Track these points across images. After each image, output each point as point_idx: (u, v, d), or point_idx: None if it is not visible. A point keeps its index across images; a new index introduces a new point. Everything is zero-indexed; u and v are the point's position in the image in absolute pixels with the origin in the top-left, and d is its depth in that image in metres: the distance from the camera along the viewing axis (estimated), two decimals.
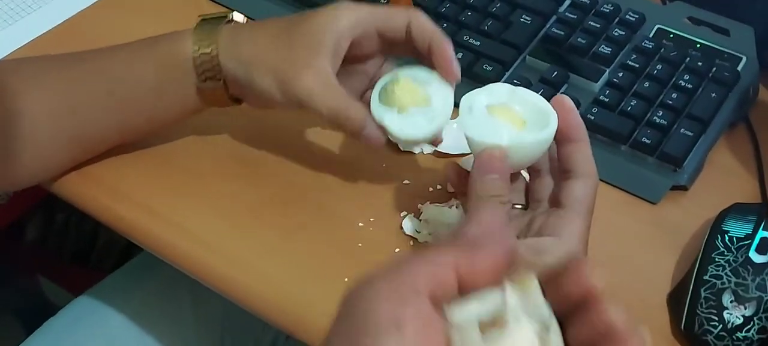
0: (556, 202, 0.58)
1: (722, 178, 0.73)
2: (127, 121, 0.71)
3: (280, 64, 0.64)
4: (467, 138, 0.58)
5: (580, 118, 0.58)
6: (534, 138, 0.57)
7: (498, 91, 0.60)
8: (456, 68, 0.63)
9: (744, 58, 0.78)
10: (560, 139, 0.58)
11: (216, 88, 0.67)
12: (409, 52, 0.66)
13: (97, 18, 0.86)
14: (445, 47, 0.63)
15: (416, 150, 0.73)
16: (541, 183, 0.60)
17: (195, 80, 0.67)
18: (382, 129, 0.64)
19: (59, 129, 0.69)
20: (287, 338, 1.02)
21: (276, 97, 0.64)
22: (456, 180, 0.61)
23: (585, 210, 0.56)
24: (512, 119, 0.58)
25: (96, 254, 1.38)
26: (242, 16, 0.70)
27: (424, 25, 0.64)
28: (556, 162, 0.59)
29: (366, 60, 0.68)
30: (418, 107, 0.64)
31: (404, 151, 0.73)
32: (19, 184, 0.73)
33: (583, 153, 0.57)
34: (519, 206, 0.60)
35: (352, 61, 0.67)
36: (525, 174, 0.62)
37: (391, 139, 0.65)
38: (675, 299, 0.64)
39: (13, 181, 0.73)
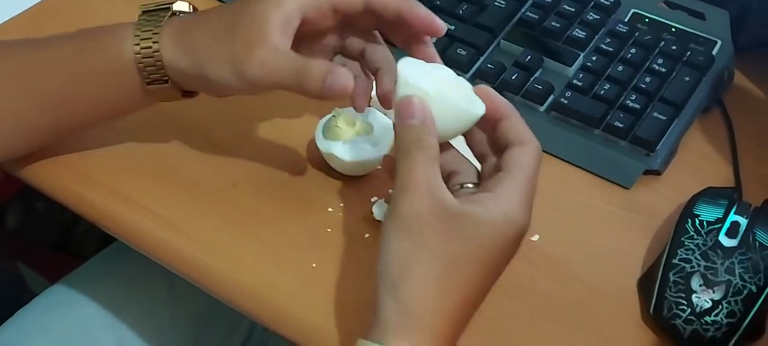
0: (496, 167, 0.57)
1: (696, 162, 0.73)
2: (77, 116, 0.68)
3: (231, 51, 0.61)
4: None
5: (503, 98, 0.57)
6: (458, 101, 0.56)
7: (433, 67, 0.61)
8: (439, 22, 0.61)
9: (719, 42, 0.77)
10: (491, 120, 0.57)
11: (163, 89, 0.64)
12: (371, 25, 0.65)
13: (69, 1, 0.85)
14: (418, 7, 0.61)
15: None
16: (489, 166, 0.59)
17: (139, 81, 0.64)
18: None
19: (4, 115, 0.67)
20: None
21: (233, 85, 0.61)
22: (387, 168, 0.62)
23: (520, 171, 0.55)
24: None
25: (76, 241, 1.38)
26: (186, 3, 0.67)
27: (416, 10, 0.62)
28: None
29: (324, 36, 0.66)
30: (362, 136, 0.69)
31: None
32: None
33: (515, 125, 0.57)
34: (470, 185, 0.59)
35: (309, 39, 0.65)
36: (477, 163, 0.61)
37: (338, 167, 0.69)
38: (645, 284, 0.64)
39: None
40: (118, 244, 0.91)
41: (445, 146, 0.58)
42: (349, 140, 0.68)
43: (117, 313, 0.84)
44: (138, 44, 0.63)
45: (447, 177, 0.58)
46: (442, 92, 0.55)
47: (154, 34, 0.63)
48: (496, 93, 0.58)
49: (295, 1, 0.62)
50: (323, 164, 0.70)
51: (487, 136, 0.58)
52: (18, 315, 0.85)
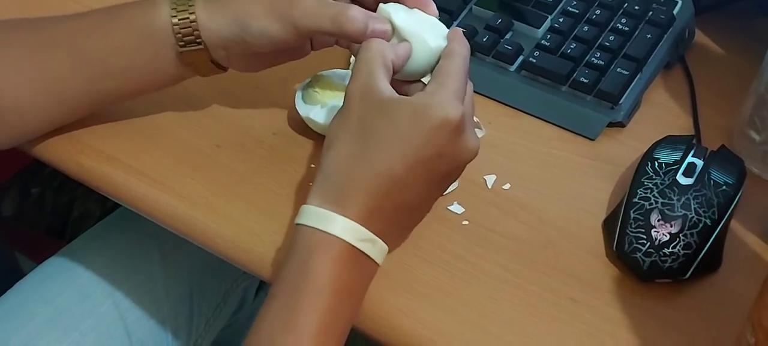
0: None
1: (658, 114, 0.77)
2: (98, 91, 0.71)
3: (271, 4, 0.65)
4: None
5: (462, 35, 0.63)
6: (424, 38, 0.63)
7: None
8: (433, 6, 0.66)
9: (679, 2, 0.81)
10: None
11: (197, 51, 0.67)
12: None
13: None
14: None
15: None
16: None
17: (174, 47, 0.67)
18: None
19: (28, 95, 0.70)
20: (256, 293, 1.05)
21: (277, 33, 0.65)
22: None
23: (442, 73, 0.60)
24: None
25: (71, 228, 1.40)
26: None
27: None
28: None
29: None
30: (338, 100, 0.70)
31: None
32: None
33: (452, 44, 0.63)
34: None
35: None
36: None
37: (316, 129, 0.72)
38: (609, 223, 0.68)
39: None
40: (111, 219, 0.95)
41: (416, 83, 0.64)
42: (327, 104, 0.72)
43: (113, 281, 0.87)
44: (174, 7, 0.67)
45: None
46: (411, 30, 0.63)
47: (189, 3, 0.67)
48: (460, 33, 0.63)
49: None
50: (305, 126, 0.74)
51: None
52: (17, 286, 0.87)
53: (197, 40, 0.67)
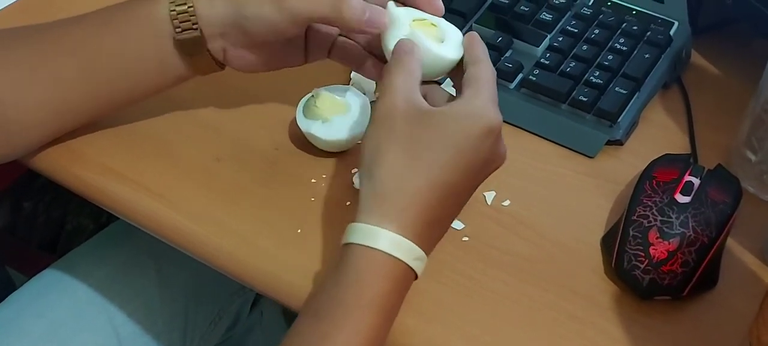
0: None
1: (656, 133, 0.78)
2: (102, 94, 0.71)
3: None
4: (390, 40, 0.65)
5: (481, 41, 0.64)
6: (439, 47, 0.64)
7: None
8: (439, 2, 0.67)
9: (676, 23, 0.82)
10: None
11: (193, 39, 0.67)
12: None
13: None
14: None
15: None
16: None
17: (172, 36, 0.67)
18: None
19: (31, 104, 0.70)
20: (251, 309, 1.05)
21: (274, 18, 0.65)
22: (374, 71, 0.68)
23: (478, 80, 0.61)
24: (430, 33, 0.65)
25: (63, 242, 1.39)
26: None
27: None
28: None
29: None
30: (340, 115, 0.72)
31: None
32: None
33: (472, 51, 0.64)
34: None
35: None
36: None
37: (318, 145, 0.73)
38: (608, 240, 0.68)
39: None
40: (107, 231, 0.95)
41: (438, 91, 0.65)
42: (328, 119, 0.72)
43: (108, 295, 0.86)
44: (172, 3, 0.67)
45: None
46: (419, 34, 0.64)
47: None
48: (478, 38, 0.64)
49: None
50: (305, 141, 0.74)
51: None
52: (10, 299, 0.87)
53: (193, 26, 0.67)
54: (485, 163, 0.60)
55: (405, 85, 0.61)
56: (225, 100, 0.78)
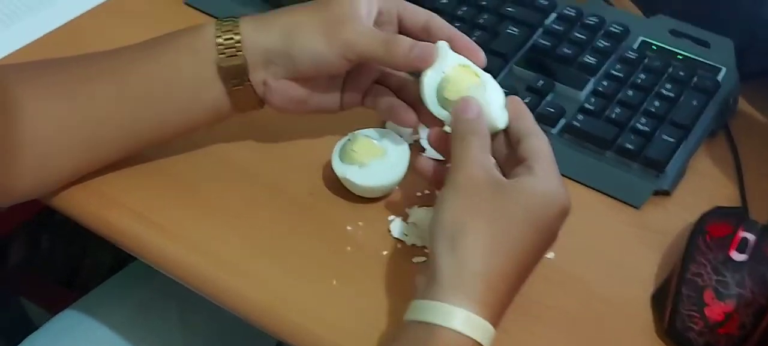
0: (517, 160, 0.61)
1: (703, 183, 0.75)
2: (136, 125, 0.69)
3: (324, 21, 0.66)
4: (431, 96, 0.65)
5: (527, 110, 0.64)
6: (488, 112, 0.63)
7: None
8: (483, 54, 0.68)
9: (723, 69, 0.79)
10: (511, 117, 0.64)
11: (236, 67, 0.67)
12: None
13: (95, 25, 0.87)
14: (468, 39, 0.68)
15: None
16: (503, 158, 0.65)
17: (214, 62, 0.67)
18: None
19: (66, 136, 0.68)
20: None
21: (325, 53, 0.65)
22: (437, 142, 0.66)
23: (545, 156, 0.60)
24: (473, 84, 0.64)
25: (81, 277, 1.38)
26: None
27: (444, 24, 0.68)
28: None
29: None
30: (378, 160, 0.70)
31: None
32: (19, 196, 0.71)
33: (527, 121, 0.63)
34: None
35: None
36: None
37: (354, 190, 0.70)
38: (658, 299, 0.65)
39: (13, 193, 0.70)
40: (127, 270, 0.92)
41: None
42: (365, 164, 0.70)
43: (129, 337, 0.84)
44: (219, 28, 0.67)
45: None
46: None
47: (233, 25, 0.67)
48: (524, 105, 0.64)
49: None
50: (341, 186, 0.72)
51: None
52: (29, 340, 0.84)
53: (238, 52, 0.66)
54: (552, 241, 0.60)
55: (483, 154, 0.60)
56: (259, 142, 0.76)
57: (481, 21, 0.84)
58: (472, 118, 0.62)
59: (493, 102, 0.64)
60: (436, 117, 0.65)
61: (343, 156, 0.71)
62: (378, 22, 0.68)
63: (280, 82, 0.68)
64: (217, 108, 0.69)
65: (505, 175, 0.61)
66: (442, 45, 0.65)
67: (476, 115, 0.62)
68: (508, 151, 0.63)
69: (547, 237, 0.59)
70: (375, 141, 0.71)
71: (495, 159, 0.63)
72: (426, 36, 0.68)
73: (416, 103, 0.68)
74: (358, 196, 0.71)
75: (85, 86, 0.69)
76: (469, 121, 0.62)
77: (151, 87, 0.68)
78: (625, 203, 0.72)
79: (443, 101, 0.65)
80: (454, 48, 0.66)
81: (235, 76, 0.67)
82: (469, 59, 0.66)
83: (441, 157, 0.67)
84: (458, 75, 0.65)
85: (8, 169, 0.68)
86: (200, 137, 0.75)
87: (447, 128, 0.64)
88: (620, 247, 0.70)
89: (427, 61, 0.65)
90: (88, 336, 0.84)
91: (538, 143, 0.61)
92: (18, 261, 1.39)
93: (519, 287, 0.59)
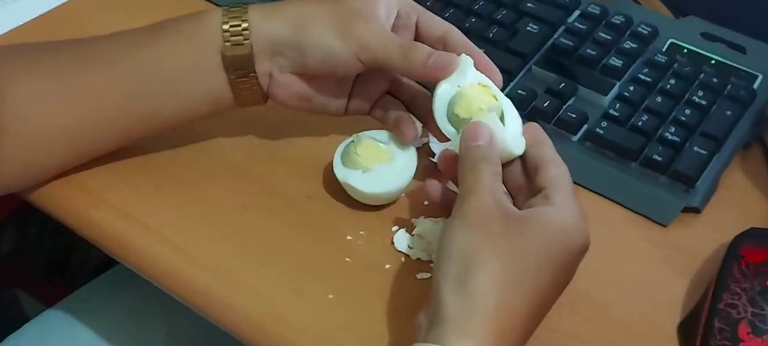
0: (534, 190, 0.57)
1: (736, 200, 0.69)
2: (135, 115, 0.65)
3: (338, 16, 0.62)
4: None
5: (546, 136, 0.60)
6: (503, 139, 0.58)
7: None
8: (499, 74, 0.63)
9: (760, 76, 0.74)
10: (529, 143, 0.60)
11: (241, 57, 0.62)
12: None
13: (92, 8, 0.84)
14: (487, 58, 0.63)
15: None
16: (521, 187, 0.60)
17: (218, 50, 0.63)
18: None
19: (55, 124, 0.64)
20: None
21: (337, 49, 0.61)
22: (446, 165, 0.60)
23: (566, 187, 0.56)
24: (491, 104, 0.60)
25: (71, 269, 1.34)
26: None
27: (461, 35, 0.65)
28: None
29: None
30: (383, 164, 0.65)
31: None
32: (1, 188, 0.67)
33: (548, 149, 0.58)
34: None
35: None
36: None
37: (356, 197, 0.65)
38: (686, 329, 0.59)
39: None
40: (115, 270, 0.89)
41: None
42: (369, 169, 0.65)
43: (112, 342, 0.81)
44: (226, 14, 0.63)
45: None
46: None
47: (240, 12, 0.63)
48: (542, 132, 0.59)
49: None
50: (342, 191, 0.66)
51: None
52: (8, 341, 0.81)
53: (244, 42, 0.62)
54: (568, 280, 0.56)
55: (495, 184, 0.56)
56: (255, 139, 0.71)
57: (499, 17, 0.79)
58: (483, 144, 0.57)
59: (509, 127, 0.59)
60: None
61: (346, 159, 0.65)
62: (395, 26, 0.65)
63: (286, 75, 0.64)
64: (218, 100, 0.65)
65: (518, 206, 0.57)
66: (466, 59, 0.61)
67: (487, 141, 0.57)
68: (524, 180, 0.59)
69: (565, 275, 0.54)
70: (381, 144, 0.66)
71: (507, 188, 0.59)
72: (442, 47, 0.64)
73: (427, 118, 0.64)
74: (361, 202, 0.66)
75: (77, 72, 0.65)
76: (480, 147, 0.57)
77: (148, 75, 0.64)
78: (650, 219, 0.67)
79: (453, 117, 0.60)
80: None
81: (239, 66, 0.63)
82: (485, 74, 0.62)
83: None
84: (474, 93, 0.60)
85: None
86: (193, 131, 0.70)
87: (452, 146, 0.60)
88: (644, 268, 0.64)
89: (446, 71, 0.60)
90: (70, 339, 0.81)
91: (558, 172, 0.56)
92: (7, 252, 1.35)
93: (533, 330, 0.54)
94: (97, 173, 0.68)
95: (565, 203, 0.55)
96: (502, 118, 0.59)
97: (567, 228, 0.54)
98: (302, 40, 0.62)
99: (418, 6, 0.66)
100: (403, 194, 0.66)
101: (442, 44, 0.64)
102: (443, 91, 0.60)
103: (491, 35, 0.76)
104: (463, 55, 0.61)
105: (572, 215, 0.54)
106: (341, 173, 0.65)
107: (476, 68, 0.61)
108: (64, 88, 0.64)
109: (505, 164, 0.59)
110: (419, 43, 0.62)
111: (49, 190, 0.68)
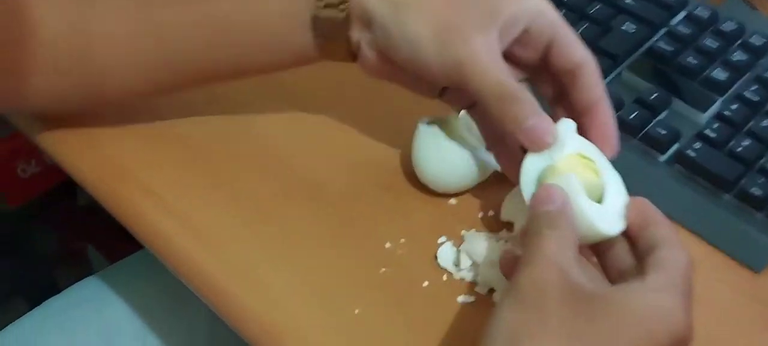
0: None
1: None
2: (215, 57, 0.61)
3: (447, 17, 0.53)
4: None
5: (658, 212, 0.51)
6: (596, 216, 0.50)
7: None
8: (616, 144, 0.54)
9: None
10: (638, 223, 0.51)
11: (335, 20, 0.56)
12: (544, 91, 0.57)
13: None
14: (610, 114, 0.54)
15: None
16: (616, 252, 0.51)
17: (309, 7, 0.57)
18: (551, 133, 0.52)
19: (136, 51, 0.61)
20: None
21: (425, 53, 0.53)
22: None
23: (675, 268, 0.47)
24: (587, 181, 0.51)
25: None
26: None
27: (596, 76, 0.55)
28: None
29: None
30: (463, 145, 0.59)
31: None
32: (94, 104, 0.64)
33: (664, 230, 0.50)
34: None
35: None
36: None
37: (429, 183, 0.60)
38: None
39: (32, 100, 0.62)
40: None
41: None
42: (451, 149, 0.58)
43: (148, 320, 0.77)
44: None
45: None
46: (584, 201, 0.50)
47: None
48: (655, 210, 0.51)
49: (535, 5, 0.55)
50: (389, 189, 0.60)
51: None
52: (41, 308, 0.79)
53: (341, 6, 0.56)
54: None
55: (561, 254, 0.47)
56: (298, 126, 0.65)
57: (591, 12, 0.70)
58: (553, 210, 0.48)
59: (609, 206, 0.51)
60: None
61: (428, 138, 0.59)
62: (517, 41, 0.55)
63: (373, 52, 0.57)
64: (305, 54, 0.60)
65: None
66: (566, 129, 0.52)
67: (558, 206, 0.49)
68: (631, 266, 0.50)
69: None
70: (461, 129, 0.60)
71: (607, 275, 0.51)
72: (569, 81, 0.55)
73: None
74: (408, 206, 0.60)
75: (157, 6, 0.61)
76: (548, 214, 0.48)
77: (234, 19, 0.60)
78: (741, 263, 0.58)
79: None
80: (588, 122, 0.54)
81: (330, 29, 0.57)
82: (597, 145, 0.53)
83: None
84: (569, 168, 0.51)
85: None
86: (237, 118, 0.66)
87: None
88: (731, 322, 0.55)
89: (538, 146, 0.51)
90: (102, 310, 0.77)
91: (670, 254, 0.47)
92: (85, 205, 1.36)
93: None
94: (129, 149, 0.64)
95: (661, 283, 0.46)
96: (599, 198, 0.51)
97: (658, 313, 0.45)
98: (393, 27, 0.55)
99: (561, 25, 0.55)
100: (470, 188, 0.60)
101: (571, 79, 0.55)
102: (533, 162, 0.52)
103: (581, 32, 0.68)
104: (564, 122, 0.52)
105: (668, 298, 0.45)
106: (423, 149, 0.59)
107: (591, 128, 0.53)
108: (140, 25, 0.61)
109: (605, 245, 0.51)
110: (523, 95, 0.52)
111: (79, 160, 0.64)
